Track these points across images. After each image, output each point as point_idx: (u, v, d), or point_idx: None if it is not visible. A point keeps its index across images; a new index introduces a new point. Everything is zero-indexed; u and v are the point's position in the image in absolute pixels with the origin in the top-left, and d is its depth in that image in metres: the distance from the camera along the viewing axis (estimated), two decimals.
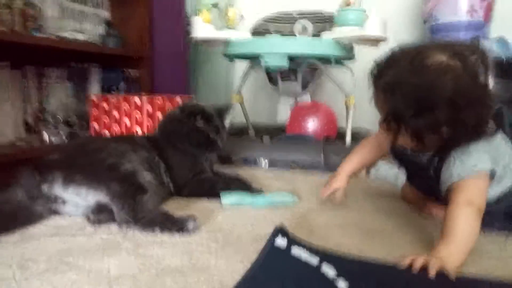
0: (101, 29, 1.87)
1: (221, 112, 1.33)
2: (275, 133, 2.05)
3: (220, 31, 1.75)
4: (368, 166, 1.29)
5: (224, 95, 2.52)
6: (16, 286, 0.69)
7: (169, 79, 2.05)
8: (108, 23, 1.83)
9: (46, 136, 1.56)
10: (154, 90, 2.00)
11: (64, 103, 1.70)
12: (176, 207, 1.10)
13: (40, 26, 1.48)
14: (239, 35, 1.74)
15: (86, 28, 1.78)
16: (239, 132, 2.08)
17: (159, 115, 1.51)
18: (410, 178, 1.08)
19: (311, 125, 1.96)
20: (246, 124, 2.08)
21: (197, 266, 0.77)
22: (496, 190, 0.90)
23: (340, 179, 1.11)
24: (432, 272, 0.71)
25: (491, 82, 0.81)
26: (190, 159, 1.25)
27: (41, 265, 0.76)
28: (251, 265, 0.75)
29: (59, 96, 1.71)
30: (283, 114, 2.16)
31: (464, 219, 0.79)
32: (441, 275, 0.71)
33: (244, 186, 1.25)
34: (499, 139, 0.90)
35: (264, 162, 1.70)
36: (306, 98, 2.15)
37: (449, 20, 1.86)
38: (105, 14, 1.92)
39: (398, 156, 1.02)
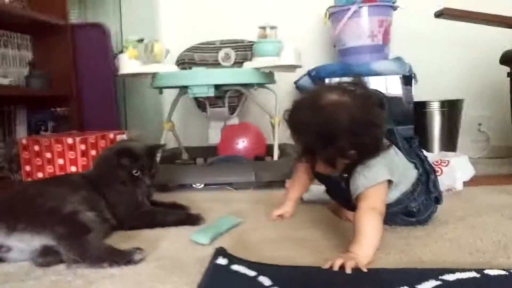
0: (25, 71, 1.87)
1: (152, 150, 1.37)
2: (208, 154, 2.15)
3: (147, 65, 1.82)
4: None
5: (155, 124, 2.58)
6: None
7: (98, 115, 2.08)
8: (32, 65, 1.83)
9: None
10: (84, 127, 2.02)
11: None
12: (120, 240, 1.16)
13: None
14: (166, 68, 1.83)
15: (10, 71, 1.77)
16: (173, 156, 2.15)
17: (93, 153, 1.55)
18: (328, 191, 1.25)
19: (242, 145, 2.09)
20: (179, 148, 2.15)
21: None
22: (395, 194, 1.10)
23: (289, 205, 1.30)
24: (348, 270, 0.86)
25: (379, 106, 1.00)
26: (127, 195, 1.30)
27: None
28: (198, 284, 0.84)
29: None
30: (213, 137, 2.27)
31: (369, 222, 0.95)
32: (356, 270, 0.86)
33: (183, 214, 1.34)
34: (393, 152, 1.08)
35: (199, 185, 1.80)
36: (234, 121, 2.29)
37: (354, 45, 2.11)
38: (29, 55, 1.92)
39: (318, 176, 1.19)
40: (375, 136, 0.99)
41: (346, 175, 1.06)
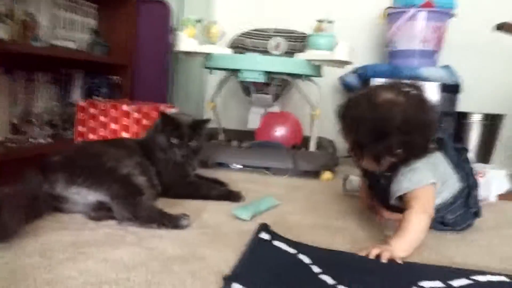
0: (88, 38, 1.97)
1: (197, 123, 1.42)
2: (244, 138, 2.21)
3: (203, 45, 1.89)
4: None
5: (197, 103, 2.66)
6: (46, 272, 0.80)
7: (149, 87, 2.17)
8: (96, 32, 1.93)
9: (32, 137, 1.64)
10: (134, 97, 2.11)
11: (49, 106, 1.79)
12: (165, 206, 1.22)
13: (38, 35, 1.57)
14: (221, 50, 1.90)
15: (75, 36, 1.87)
16: (210, 136, 2.22)
17: (145, 122, 1.64)
18: (370, 187, 1.28)
19: (279, 133, 2.14)
20: (216, 129, 2.22)
21: (196, 255, 0.92)
22: (436, 202, 1.11)
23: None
24: (383, 259, 0.91)
25: (431, 109, 1.04)
26: (176, 165, 1.38)
27: (60, 254, 0.88)
28: (241, 253, 0.91)
29: (45, 99, 1.79)
30: (253, 121, 2.33)
31: (418, 222, 0.99)
32: (391, 261, 0.91)
33: (225, 190, 1.41)
34: (439, 159, 1.11)
35: (237, 166, 1.86)
36: (275, 109, 2.34)
37: (405, 48, 2.11)
38: (93, 23, 2.02)
39: (363, 171, 1.23)
40: (424, 138, 1.03)
41: (389, 174, 1.10)
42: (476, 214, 1.19)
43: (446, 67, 2.13)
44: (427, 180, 1.05)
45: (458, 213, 1.15)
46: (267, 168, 1.84)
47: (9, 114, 1.65)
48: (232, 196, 1.37)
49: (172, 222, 1.07)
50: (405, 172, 1.06)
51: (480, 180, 1.48)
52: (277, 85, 2.17)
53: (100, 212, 1.12)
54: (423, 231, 1.00)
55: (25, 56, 1.59)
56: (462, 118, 2.15)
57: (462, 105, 2.13)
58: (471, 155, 2.12)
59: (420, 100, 1.03)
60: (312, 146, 1.98)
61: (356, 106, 1.05)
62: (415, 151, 1.03)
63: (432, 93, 2.00)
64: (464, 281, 0.83)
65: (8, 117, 1.65)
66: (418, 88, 1.05)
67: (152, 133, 1.40)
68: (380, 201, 1.25)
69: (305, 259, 0.89)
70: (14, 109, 1.67)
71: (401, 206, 1.08)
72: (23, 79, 1.68)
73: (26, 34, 1.51)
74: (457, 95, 2.07)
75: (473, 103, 2.26)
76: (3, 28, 1.42)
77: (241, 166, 1.86)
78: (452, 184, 1.14)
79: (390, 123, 0.99)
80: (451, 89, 2.04)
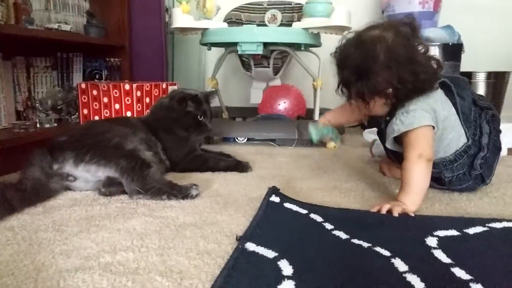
0: (83, 20, 1.95)
1: (207, 97, 1.45)
2: (248, 114, 2.20)
3: (198, 21, 1.87)
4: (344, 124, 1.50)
5: (197, 81, 2.65)
6: (61, 244, 0.81)
7: (148, 67, 2.16)
8: (90, 14, 1.91)
9: (37, 122, 1.65)
10: (134, 78, 2.11)
11: (51, 91, 1.78)
12: (174, 179, 1.23)
13: (31, 18, 1.56)
14: (217, 24, 1.88)
15: (69, 19, 1.85)
16: (214, 114, 2.21)
17: (147, 100, 1.64)
18: (379, 136, 1.23)
19: (283, 106, 2.14)
20: (219, 107, 2.22)
21: (208, 221, 0.92)
22: (435, 155, 1.05)
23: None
24: (395, 213, 0.91)
25: (422, 45, 0.98)
26: (182, 140, 1.39)
27: (73, 228, 0.89)
28: (254, 216, 0.91)
29: (46, 84, 1.79)
30: (255, 97, 2.32)
31: (416, 171, 0.97)
32: (404, 215, 0.91)
33: (232, 161, 1.41)
34: (440, 104, 1.04)
35: (242, 140, 1.87)
36: (277, 83, 2.33)
37: (404, 10, 2.08)
38: (86, 5, 2.00)
39: (370, 121, 1.22)
40: (415, 74, 0.96)
41: (388, 118, 1.06)
42: (483, 179, 1.10)
43: (448, 27, 2.10)
44: (421, 122, 0.98)
45: (457, 173, 1.09)
46: (273, 140, 1.84)
47: (13, 101, 1.65)
48: (240, 166, 1.37)
49: (182, 192, 1.08)
50: (399, 114, 1.01)
51: None
52: (277, 58, 2.16)
53: (111, 188, 1.13)
54: (425, 178, 0.97)
55: (22, 41, 1.58)
56: (467, 78, 2.13)
57: (463, 65, 2.11)
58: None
59: (409, 35, 0.97)
60: (316, 115, 1.97)
61: (346, 44, 1.02)
62: (405, 89, 0.98)
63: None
64: (479, 229, 0.83)
65: (13, 104, 1.65)
66: (411, 25, 0.99)
67: (165, 113, 1.39)
68: (386, 151, 1.22)
69: (317, 218, 0.90)
70: (17, 96, 1.67)
71: (401, 151, 1.04)
72: (23, 64, 1.68)
73: (19, 17, 1.50)
74: (460, 55, 2.04)
75: (474, 62, 2.24)
76: None
77: (246, 140, 1.86)
78: (455, 137, 1.07)
79: (373, 60, 0.95)
80: (453, 49, 2.01)
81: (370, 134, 1.69)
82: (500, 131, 1.12)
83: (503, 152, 1.49)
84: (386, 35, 0.96)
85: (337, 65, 1.03)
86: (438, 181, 1.11)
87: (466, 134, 1.08)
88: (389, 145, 1.06)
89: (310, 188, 1.19)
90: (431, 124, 1.00)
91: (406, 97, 1.00)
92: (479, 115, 1.11)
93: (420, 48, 0.98)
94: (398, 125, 1.00)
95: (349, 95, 1.03)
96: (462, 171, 1.09)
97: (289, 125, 1.85)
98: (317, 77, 1.96)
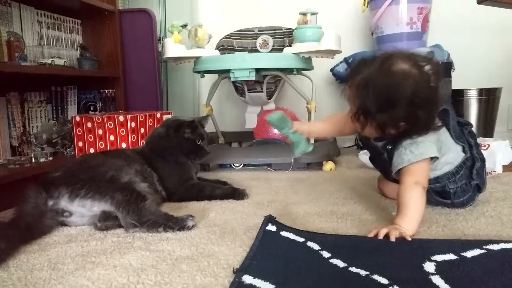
0: (77, 53, 1.97)
1: (201, 122, 1.47)
2: (243, 139, 2.21)
3: (191, 50, 1.90)
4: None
5: (193, 108, 2.67)
6: (57, 283, 0.80)
7: (142, 97, 2.18)
8: (83, 47, 1.94)
9: (32, 157, 1.65)
10: (128, 108, 2.12)
11: (46, 124, 1.79)
12: (170, 211, 1.23)
13: (25, 55, 1.58)
14: (209, 52, 1.90)
15: (62, 53, 1.88)
16: (210, 141, 2.22)
17: (142, 130, 1.64)
18: (371, 159, 1.28)
19: None
20: (215, 133, 2.22)
21: (204, 253, 0.92)
22: (435, 173, 1.12)
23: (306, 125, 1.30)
24: (392, 238, 0.91)
25: (440, 86, 1.02)
26: (179, 169, 1.39)
27: (69, 265, 0.88)
28: (250, 247, 0.91)
29: (41, 118, 1.80)
30: (250, 121, 2.33)
31: (412, 195, 0.99)
32: (401, 239, 0.90)
33: (229, 188, 1.41)
34: (444, 135, 1.11)
35: (238, 166, 1.87)
36: (271, 107, 2.34)
37: (393, 32, 2.12)
38: (79, 39, 2.03)
39: (363, 141, 1.23)
40: (430, 114, 1.01)
41: (390, 147, 1.09)
42: (479, 188, 1.17)
43: (436, 46, 2.14)
44: (429, 153, 1.04)
45: (460, 184, 1.14)
46: (269, 165, 1.84)
47: (8, 137, 1.66)
48: (237, 193, 1.37)
49: (178, 223, 1.07)
50: (408, 145, 1.04)
51: (485, 153, 1.50)
52: (270, 82, 2.18)
53: (107, 222, 1.12)
54: (422, 202, 1.00)
55: (15, 77, 1.59)
56: (457, 96, 2.16)
57: (454, 83, 2.14)
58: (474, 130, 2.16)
59: (432, 76, 1.00)
60: (312, 140, 1.97)
61: (369, 68, 1.00)
62: (418, 126, 1.01)
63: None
64: (477, 251, 0.83)
65: (7, 139, 1.66)
66: (433, 63, 1.02)
67: (162, 142, 1.41)
68: (382, 173, 1.26)
69: (314, 246, 0.89)
70: (12, 131, 1.67)
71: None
72: (17, 100, 1.69)
73: (12, 54, 1.52)
74: (450, 73, 2.07)
75: (465, 80, 2.27)
76: None
77: (242, 165, 1.86)
78: (455, 156, 1.14)
79: (401, 93, 0.96)
80: (444, 68, 2.04)
81: (366, 156, 1.70)
82: (479, 144, 1.21)
83: (498, 169, 1.50)
84: (414, 72, 0.98)
85: (356, 88, 1.01)
86: (442, 194, 1.16)
87: (463, 149, 1.15)
88: (395, 175, 1.07)
89: (307, 214, 1.19)
90: (437, 156, 1.05)
91: (416, 133, 1.03)
92: (461, 131, 1.17)
93: (439, 89, 1.01)
94: (408, 155, 1.03)
95: (365, 123, 1.03)
96: (463, 182, 1.14)
97: (285, 149, 1.85)
98: (311, 100, 1.98)
